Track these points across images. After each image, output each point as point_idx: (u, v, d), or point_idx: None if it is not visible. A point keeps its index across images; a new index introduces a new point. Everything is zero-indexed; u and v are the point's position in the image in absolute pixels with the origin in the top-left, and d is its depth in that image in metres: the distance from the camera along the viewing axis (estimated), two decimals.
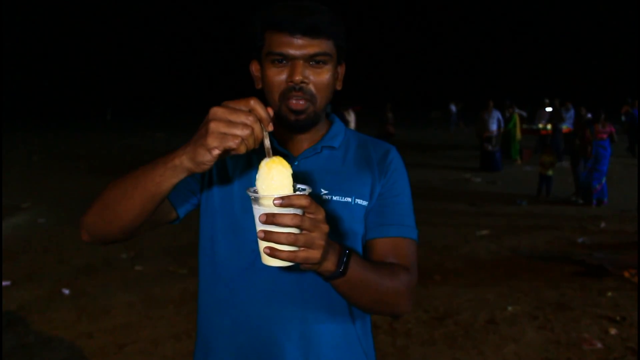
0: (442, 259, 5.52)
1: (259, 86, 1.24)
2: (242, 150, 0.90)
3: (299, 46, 1.13)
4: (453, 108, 21.53)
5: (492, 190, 9.80)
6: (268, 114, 0.92)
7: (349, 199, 1.21)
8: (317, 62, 1.15)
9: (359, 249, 1.23)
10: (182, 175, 0.97)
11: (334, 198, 1.20)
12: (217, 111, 0.89)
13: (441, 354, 3.59)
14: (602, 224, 6.97)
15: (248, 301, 1.19)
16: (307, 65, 1.14)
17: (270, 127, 0.92)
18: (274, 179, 0.93)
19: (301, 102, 1.15)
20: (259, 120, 0.91)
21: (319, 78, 1.16)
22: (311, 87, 1.15)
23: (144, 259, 5.59)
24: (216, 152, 0.89)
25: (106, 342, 3.74)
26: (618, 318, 4.03)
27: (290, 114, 1.16)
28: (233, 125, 0.88)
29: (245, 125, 0.88)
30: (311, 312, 1.19)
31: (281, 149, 1.24)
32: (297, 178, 1.20)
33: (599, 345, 3.64)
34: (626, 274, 4.92)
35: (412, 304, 1.19)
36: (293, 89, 1.14)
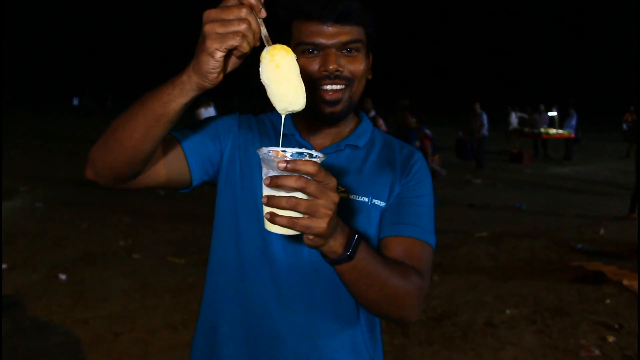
0: (440, 260, 5.50)
1: None
2: (245, 47, 0.84)
3: (330, 34, 1.09)
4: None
5: (492, 192, 9.79)
6: None
7: (366, 199, 1.16)
8: (350, 51, 1.11)
9: None
10: (191, 94, 0.90)
11: (351, 197, 1.16)
12: (209, 13, 0.83)
13: (438, 354, 3.57)
14: (602, 231, 6.96)
15: (255, 291, 1.16)
16: (340, 54, 1.10)
17: (263, 13, 0.86)
18: (281, 66, 0.87)
19: (337, 87, 1.10)
20: (251, 8, 0.84)
21: (354, 66, 1.12)
22: (347, 73, 1.11)
23: (141, 248, 5.56)
24: (218, 54, 0.83)
25: (102, 330, 3.72)
26: (616, 326, 4.02)
27: (325, 106, 1.12)
28: (228, 23, 0.82)
29: (240, 19, 0.82)
30: (317, 312, 1.16)
31: (303, 141, 1.20)
32: None
33: (597, 352, 3.62)
34: (625, 282, 4.91)
35: (420, 311, 1.11)
36: (327, 77, 1.09)
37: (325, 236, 0.87)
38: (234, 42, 0.82)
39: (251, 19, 0.83)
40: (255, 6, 0.84)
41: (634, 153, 12.37)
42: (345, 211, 1.14)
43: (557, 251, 6.02)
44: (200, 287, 4.70)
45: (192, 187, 1.17)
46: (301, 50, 1.10)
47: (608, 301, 4.52)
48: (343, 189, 1.16)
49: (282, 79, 0.87)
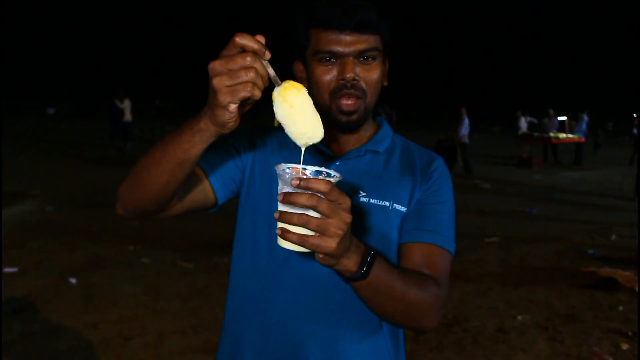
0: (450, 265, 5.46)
1: (305, 86, 1.20)
2: (257, 94, 0.84)
3: (348, 43, 1.10)
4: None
5: (501, 197, 9.73)
6: (260, 42, 0.84)
7: (387, 203, 1.17)
8: (366, 59, 1.12)
9: (393, 256, 1.17)
10: (210, 140, 0.91)
11: (372, 201, 1.17)
12: (214, 65, 0.82)
13: None
14: (613, 236, 6.90)
15: (277, 299, 1.17)
16: (356, 62, 1.11)
17: (267, 55, 0.85)
18: (295, 105, 0.87)
19: (352, 100, 1.12)
20: (255, 53, 0.83)
21: (369, 75, 1.13)
22: (362, 84, 1.12)
23: (151, 252, 5.56)
24: (233, 106, 0.84)
25: (112, 334, 3.72)
26: (630, 333, 3.97)
27: (342, 115, 1.14)
28: (235, 74, 0.81)
29: (246, 68, 0.82)
30: (340, 316, 1.16)
31: (323, 148, 1.21)
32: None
33: None
34: (638, 288, 4.85)
35: (438, 320, 1.12)
36: (344, 86, 1.11)
37: (335, 256, 0.87)
38: (245, 93, 0.82)
39: (257, 65, 0.83)
40: (258, 50, 0.84)
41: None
42: (366, 216, 1.15)
43: (568, 257, 5.97)
44: (209, 291, 4.71)
45: (218, 207, 1.20)
46: (318, 59, 1.12)
47: (621, 308, 4.47)
48: (364, 194, 1.17)
49: (298, 117, 0.88)
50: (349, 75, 1.09)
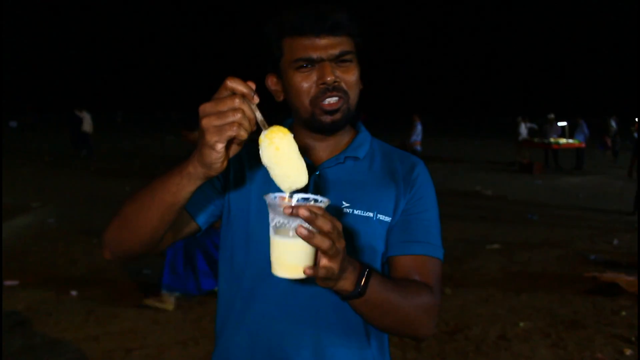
0: (452, 272, 5.45)
1: (281, 98, 1.19)
2: (243, 135, 0.86)
3: (324, 47, 1.10)
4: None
5: (503, 203, 9.72)
6: (249, 87, 0.87)
7: (371, 214, 1.15)
8: (344, 61, 1.12)
9: (378, 266, 1.18)
10: (198, 182, 0.93)
11: (355, 212, 1.15)
12: (204, 107, 0.86)
13: None
14: (615, 241, 6.88)
15: (262, 315, 1.16)
16: (334, 66, 1.11)
17: (256, 99, 0.88)
18: (280, 148, 0.90)
19: (335, 99, 1.11)
20: (244, 96, 0.87)
21: (348, 76, 1.13)
22: (343, 85, 1.12)
23: (151, 263, 5.55)
24: (219, 146, 0.86)
25: (113, 347, 3.71)
26: (633, 339, 3.95)
27: (326, 116, 1.13)
28: (223, 115, 0.85)
29: (234, 109, 0.85)
30: (325, 329, 1.15)
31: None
32: (318, 188, 1.17)
33: None
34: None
35: (434, 327, 1.13)
36: (326, 90, 1.10)
37: (335, 278, 0.91)
38: (231, 132, 0.85)
39: (245, 107, 0.86)
40: (247, 94, 0.87)
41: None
42: (350, 227, 1.14)
43: (570, 262, 5.95)
44: (210, 302, 4.69)
45: (203, 231, 1.20)
46: (296, 67, 1.11)
47: (624, 313, 4.45)
48: (347, 205, 1.16)
49: (284, 160, 0.91)
50: (329, 79, 1.09)
